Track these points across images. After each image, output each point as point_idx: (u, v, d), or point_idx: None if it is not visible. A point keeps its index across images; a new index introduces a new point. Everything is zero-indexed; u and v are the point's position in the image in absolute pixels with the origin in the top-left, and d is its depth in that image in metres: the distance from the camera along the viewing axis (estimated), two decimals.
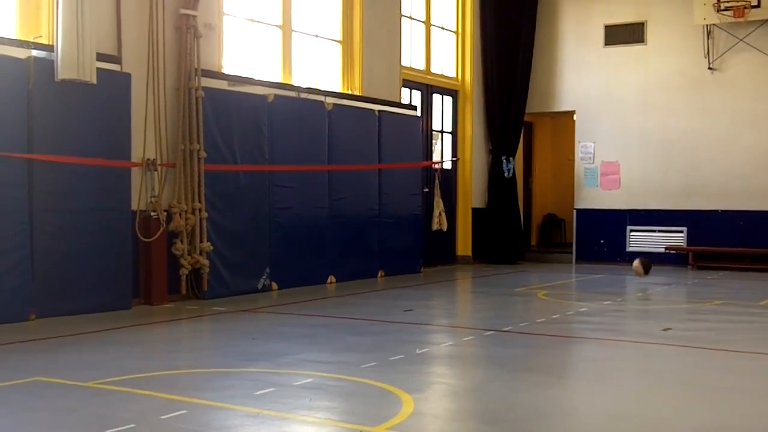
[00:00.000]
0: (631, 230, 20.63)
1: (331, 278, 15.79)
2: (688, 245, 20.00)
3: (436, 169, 19.36)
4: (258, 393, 7.12)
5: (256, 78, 14.71)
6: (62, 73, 11.32)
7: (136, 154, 12.57)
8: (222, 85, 13.98)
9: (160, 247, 12.83)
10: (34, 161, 11.23)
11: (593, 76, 21.05)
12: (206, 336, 10.91)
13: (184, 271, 13.13)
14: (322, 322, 11.36)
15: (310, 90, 15.68)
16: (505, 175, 20.77)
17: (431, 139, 19.93)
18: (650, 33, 20.47)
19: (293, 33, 15.83)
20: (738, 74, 19.56)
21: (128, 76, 12.43)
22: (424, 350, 9.40)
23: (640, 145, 20.48)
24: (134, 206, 12.51)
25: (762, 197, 19.23)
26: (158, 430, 6.11)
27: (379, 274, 17.01)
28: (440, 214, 19.00)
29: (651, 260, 16.88)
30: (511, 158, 20.88)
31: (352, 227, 16.29)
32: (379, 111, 17.07)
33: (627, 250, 20.58)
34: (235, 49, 14.75)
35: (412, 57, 19.13)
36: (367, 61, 17.17)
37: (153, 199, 12.79)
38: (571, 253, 21.25)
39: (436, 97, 20.11)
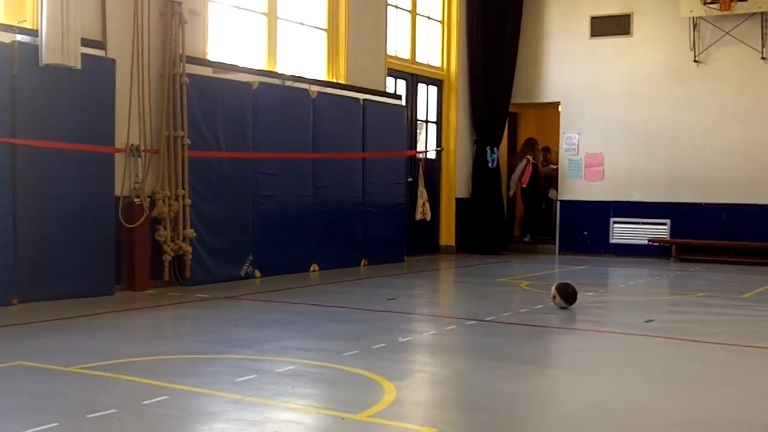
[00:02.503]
0: (615, 222, 20.66)
1: (314, 266, 15.78)
2: (671, 237, 20.05)
3: (420, 159, 19.36)
4: (240, 379, 7.11)
5: (240, 65, 14.68)
6: (46, 58, 11.28)
7: (120, 140, 12.54)
8: (207, 71, 13.94)
9: (143, 233, 12.81)
10: (17, 146, 11.18)
11: (579, 67, 21.06)
12: (189, 322, 10.91)
13: (167, 258, 13.12)
14: (304, 310, 11.35)
15: (294, 78, 15.65)
16: (489, 165, 20.76)
17: (416, 129, 19.92)
18: (636, 25, 20.48)
19: (278, 20, 15.79)
20: (723, 67, 19.60)
21: (113, 61, 12.39)
22: (406, 339, 9.42)
23: (625, 137, 20.51)
24: (117, 192, 12.47)
25: (745, 190, 19.29)
26: (140, 415, 6.11)
27: (362, 263, 17.01)
28: (424, 203, 18.99)
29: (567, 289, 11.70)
30: (495, 148, 20.88)
31: (336, 216, 16.28)
32: (364, 100, 17.05)
33: (610, 241, 20.64)
34: (220, 35, 14.71)
35: (397, 46, 19.11)
36: (352, 49, 17.15)
37: (136, 185, 12.76)
38: (555, 244, 21.27)
39: (421, 87, 20.09)
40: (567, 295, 11.47)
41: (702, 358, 8.67)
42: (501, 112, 21.25)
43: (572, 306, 11.42)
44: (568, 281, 11.91)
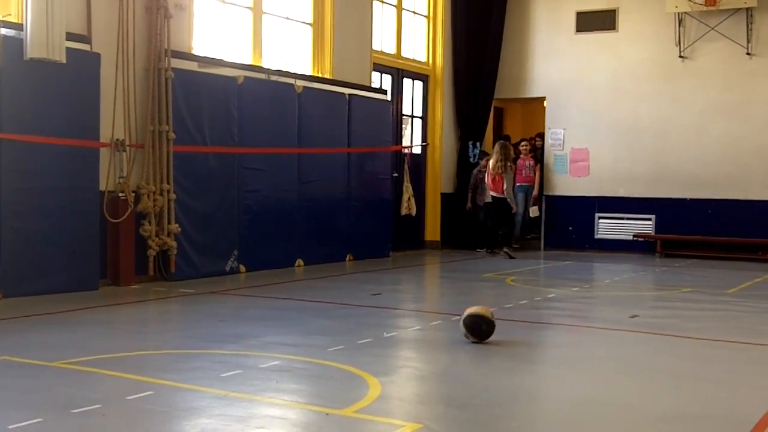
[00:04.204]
0: (600, 217, 20.67)
1: (299, 261, 15.77)
2: (656, 233, 20.08)
3: (405, 154, 19.34)
4: (225, 375, 7.11)
5: (226, 59, 14.65)
6: (31, 52, 11.24)
7: (105, 135, 12.50)
8: (192, 66, 13.91)
9: (127, 228, 12.78)
10: (2, 140, 11.14)
11: (564, 62, 21.06)
12: (173, 317, 10.90)
13: (151, 253, 13.09)
14: (289, 305, 11.35)
15: (280, 72, 15.62)
16: (471, 160, 20.72)
17: (401, 124, 19.91)
18: (622, 20, 20.50)
19: (264, 15, 15.76)
20: (708, 63, 19.63)
21: (98, 56, 12.36)
22: (391, 334, 9.41)
23: (610, 133, 20.53)
24: (102, 187, 12.44)
25: (730, 186, 19.33)
26: (125, 410, 6.10)
27: (348, 258, 17.00)
28: (409, 198, 18.96)
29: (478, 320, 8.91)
30: (478, 143, 20.86)
31: (321, 211, 16.26)
32: (350, 94, 17.04)
33: (595, 237, 20.66)
34: (205, 30, 14.67)
35: (383, 41, 19.09)
36: (338, 44, 17.13)
37: (121, 180, 12.73)
38: (540, 239, 21.28)
39: (407, 82, 20.08)
40: (481, 333, 8.82)
41: (687, 353, 8.69)
42: (485, 107, 21.25)
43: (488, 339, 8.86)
44: (481, 313, 8.91)
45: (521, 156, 20.70)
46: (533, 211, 20.62)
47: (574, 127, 20.89)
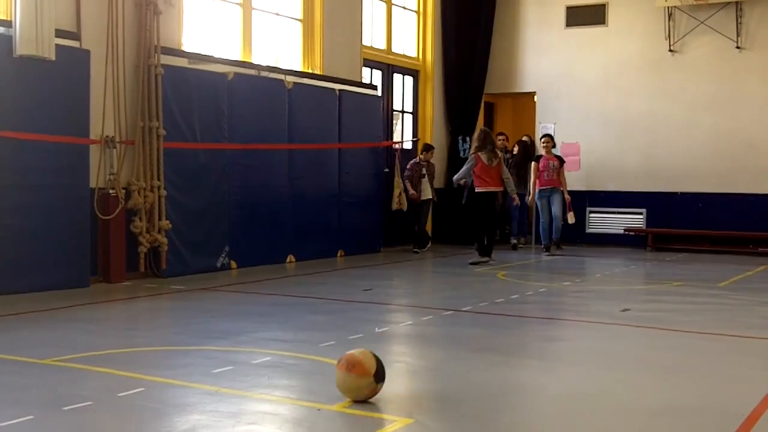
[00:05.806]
0: (591, 212, 20.69)
1: (291, 257, 15.76)
2: (647, 227, 20.11)
3: (396, 149, 19.31)
4: (216, 371, 7.10)
5: (216, 56, 14.63)
6: (20, 49, 11.22)
7: (95, 131, 12.48)
8: (182, 62, 13.88)
9: (118, 224, 12.76)
10: None
11: (554, 57, 21.09)
12: (164, 314, 10.88)
13: (142, 249, 13.08)
14: (281, 301, 11.33)
15: (270, 68, 15.60)
16: (461, 155, 20.68)
17: (392, 119, 19.90)
18: (611, 15, 20.53)
19: (254, 11, 15.74)
20: (698, 57, 19.66)
21: (87, 52, 12.33)
22: (383, 329, 9.41)
23: (601, 127, 20.56)
24: (93, 184, 12.43)
25: (721, 179, 19.37)
26: (116, 407, 6.09)
27: (339, 254, 16.99)
28: (400, 194, 18.88)
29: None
30: (468, 138, 20.83)
31: (312, 206, 16.25)
32: (340, 90, 17.02)
33: (587, 231, 20.67)
34: (195, 26, 14.65)
35: (373, 36, 19.07)
36: (328, 39, 17.11)
37: (111, 177, 12.71)
38: (531, 234, 21.25)
39: (397, 77, 20.07)
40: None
41: (678, 346, 8.69)
42: (475, 102, 21.25)
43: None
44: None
45: (544, 155, 18.58)
46: (571, 217, 18.58)
47: (565, 121, 20.90)
